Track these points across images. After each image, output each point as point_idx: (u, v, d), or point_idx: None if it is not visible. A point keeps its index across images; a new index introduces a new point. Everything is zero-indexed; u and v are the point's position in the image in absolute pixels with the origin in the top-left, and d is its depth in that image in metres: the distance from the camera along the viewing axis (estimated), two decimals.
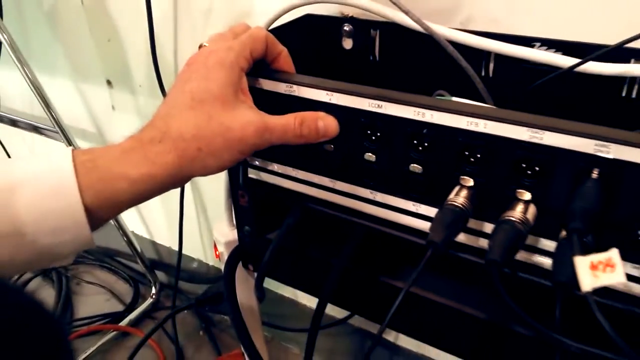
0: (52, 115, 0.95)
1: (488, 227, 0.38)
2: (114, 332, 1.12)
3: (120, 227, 1.12)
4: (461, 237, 0.39)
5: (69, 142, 0.98)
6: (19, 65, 0.91)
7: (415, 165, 0.39)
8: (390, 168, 0.40)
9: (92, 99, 1.11)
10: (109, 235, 1.20)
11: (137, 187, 0.36)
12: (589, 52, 0.43)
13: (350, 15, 0.58)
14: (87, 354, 1.06)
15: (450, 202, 0.37)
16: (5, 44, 0.90)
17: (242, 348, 0.61)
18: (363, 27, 0.56)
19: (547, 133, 0.32)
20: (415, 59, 0.54)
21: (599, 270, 0.28)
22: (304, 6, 0.55)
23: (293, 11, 0.55)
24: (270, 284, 0.98)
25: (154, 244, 1.30)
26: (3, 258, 0.34)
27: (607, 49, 0.43)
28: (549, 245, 0.36)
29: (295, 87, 0.41)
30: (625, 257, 0.32)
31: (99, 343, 1.09)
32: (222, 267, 0.59)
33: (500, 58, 0.48)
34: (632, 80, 0.44)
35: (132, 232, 1.17)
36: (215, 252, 0.66)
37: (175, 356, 1.06)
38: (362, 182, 0.43)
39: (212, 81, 0.38)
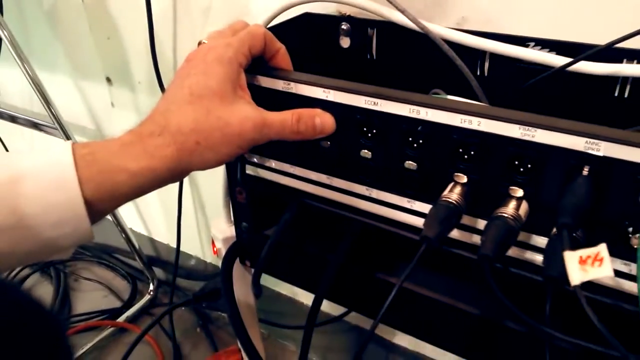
0: (51, 112, 0.95)
1: (481, 224, 0.38)
2: (112, 328, 1.12)
3: (119, 224, 1.12)
4: (455, 234, 0.40)
5: (68, 139, 0.98)
6: (19, 62, 0.91)
7: (410, 162, 0.39)
8: (386, 165, 0.41)
9: (91, 96, 1.11)
10: (107, 232, 1.20)
11: (137, 180, 0.36)
12: (582, 52, 0.44)
13: (347, 14, 0.58)
14: (85, 349, 1.07)
15: (444, 199, 0.37)
16: (5, 41, 0.90)
17: (239, 344, 0.61)
18: (360, 25, 0.56)
19: (539, 131, 0.33)
20: (411, 58, 0.54)
21: (588, 265, 0.29)
22: (302, 5, 0.55)
23: (291, 9, 0.56)
24: (267, 281, 0.99)
25: (151, 240, 1.31)
26: (3, 250, 0.34)
27: (597, 48, 0.43)
28: (541, 242, 0.37)
29: (292, 84, 0.42)
30: (615, 253, 0.33)
31: (97, 339, 1.09)
32: (219, 263, 0.59)
33: (495, 57, 0.49)
34: (624, 80, 0.44)
35: (130, 228, 1.17)
36: (213, 248, 0.67)
37: (172, 352, 1.07)
38: (358, 179, 0.44)
39: (210, 77, 0.38)
